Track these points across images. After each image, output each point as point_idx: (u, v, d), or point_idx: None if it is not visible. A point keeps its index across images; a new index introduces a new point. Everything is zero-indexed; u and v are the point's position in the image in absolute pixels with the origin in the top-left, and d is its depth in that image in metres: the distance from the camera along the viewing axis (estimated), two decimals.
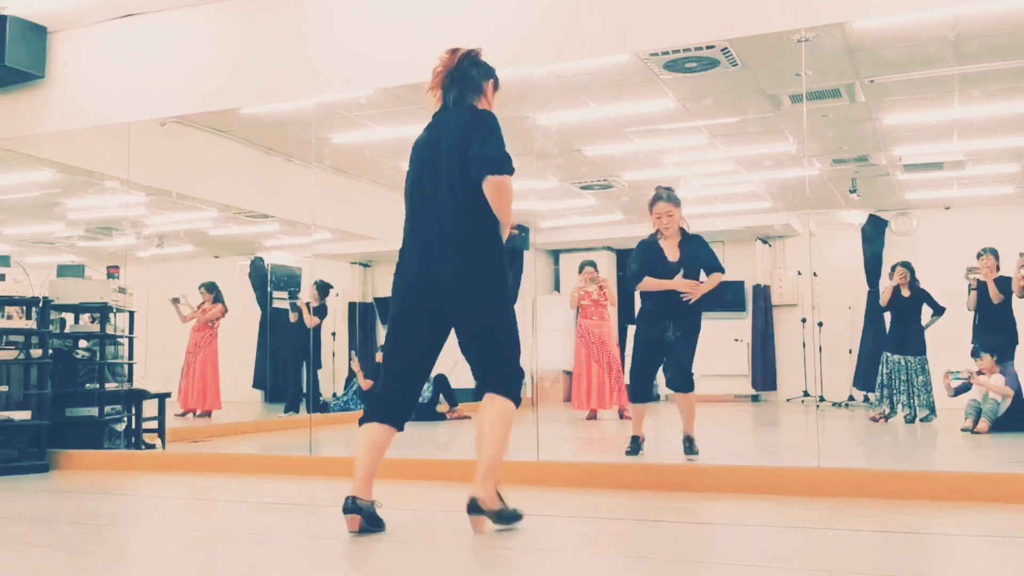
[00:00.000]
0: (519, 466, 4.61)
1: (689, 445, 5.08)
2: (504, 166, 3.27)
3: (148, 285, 7.61)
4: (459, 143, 3.30)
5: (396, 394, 3.36)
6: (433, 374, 9.82)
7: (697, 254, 5.16)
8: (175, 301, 8.88)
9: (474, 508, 3.18)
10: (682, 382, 5.11)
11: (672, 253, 5.15)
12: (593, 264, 8.52)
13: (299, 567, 2.86)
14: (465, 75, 3.43)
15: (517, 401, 3.32)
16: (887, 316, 8.02)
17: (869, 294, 9.26)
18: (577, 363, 8.60)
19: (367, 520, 3.24)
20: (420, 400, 9.79)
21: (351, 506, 3.22)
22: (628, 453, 5.18)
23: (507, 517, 3.27)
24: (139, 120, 6.37)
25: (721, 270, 5.17)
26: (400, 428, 3.35)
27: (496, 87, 3.53)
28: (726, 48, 5.53)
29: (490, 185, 3.26)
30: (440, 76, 3.45)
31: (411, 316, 3.37)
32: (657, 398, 8.60)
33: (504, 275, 3.35)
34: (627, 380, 5.37)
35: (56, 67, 6.58)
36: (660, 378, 5.38)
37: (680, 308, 5.10)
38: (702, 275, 5.21)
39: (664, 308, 5.13)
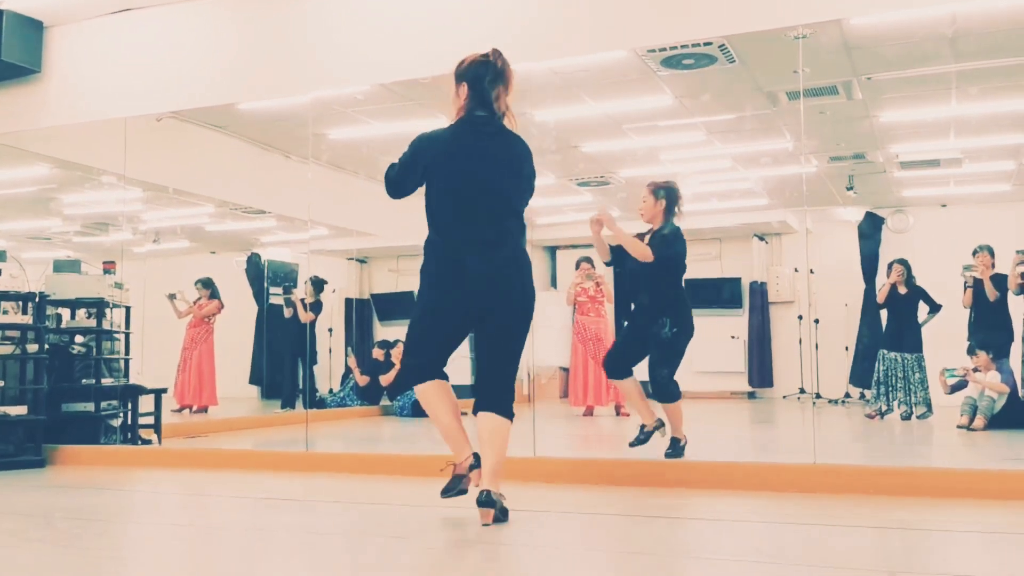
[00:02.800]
0: (516, 462, 4.61)
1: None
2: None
3: (144, 281, 7.60)
4: (514, 169, 3.48)
5: (430, 353, 3.44)
6: None
7: (658, 244, 5.00)
8: (171, 297, 8.87)
9: (486, 502, 3.22)
10: (660, 394, 4.94)
11: (646, 240, 5.09)
12: (590, 260, 8.52)
13: (295, 563, 2.86)
14: (504, 89, 3.48)
15: (512, 418, 3.41)
16: (883, 313, 8.03)
17: (866, 291, 9.26)
18: (574, 360, 8.60)
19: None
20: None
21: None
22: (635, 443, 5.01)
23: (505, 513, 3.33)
24: (135, 115, 6.35)
25: (653, 253, 4.95)
26: (446, 379, 3.46)
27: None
28: (723, 45, 5.53)
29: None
30: (482, 74, 3.45)
31: (458, 302, 3.40)
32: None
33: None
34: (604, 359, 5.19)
35: (52, 62, 6.57)
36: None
37: (648, 300, 5.02)
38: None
39: (634, 293, 5.08)
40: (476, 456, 3.36)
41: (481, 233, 3.38)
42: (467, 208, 3.41)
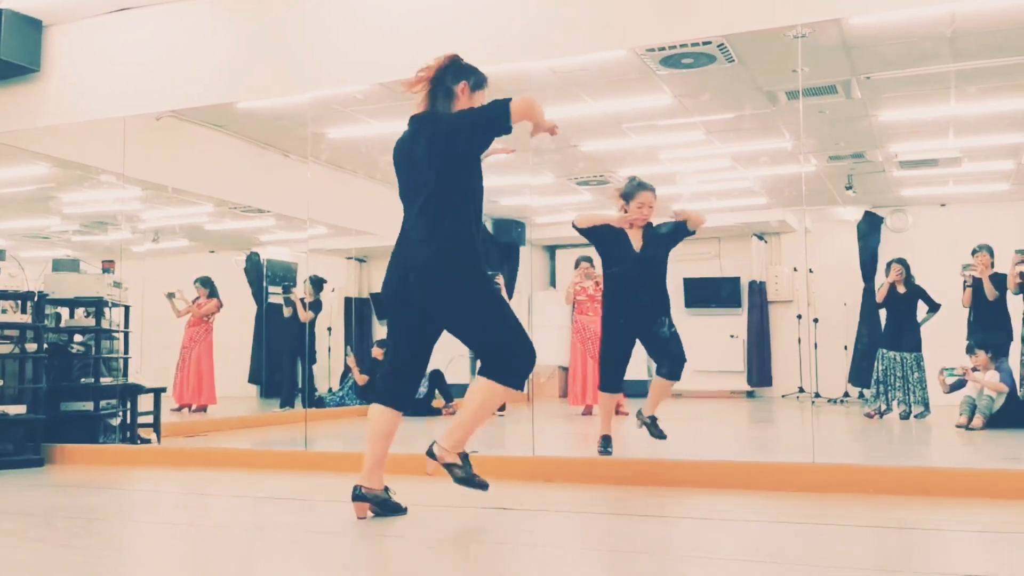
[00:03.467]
0: (515, 461, 4.62)
1: (655, 426, 5.15)
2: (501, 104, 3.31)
3: (143, 280, 7.60)
4: (428, 147, 3.39)
5: (397, 382, 3.52)
6: (429, 369, 9.83)
7: (660, 241, 5.11)
8: (170, 296, 8.87)
9: (429, 452, 3.39)
10: (673, 370, 5.09)
11: (636, 241, 5.11)
12: (589, 260, 8.52)
13: (295, 562, 2.86)
14: (439, 81, 3.48)
15: (513, 385, 3.37)
16: (883, 313, 8.03)
17: (865, 291, 9.27)
18: (573, 359, 8.60)
19: (380, 507, 3.42)
20: (416, 396, 9.81)
21: (356, 494, 3.40)
22: (602, 453, 5.13)
23: (464, 479, 3.37)
24: (135, 114, 6.35)
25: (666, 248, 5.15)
26: (404, 411, 3.50)
27: (477, 86, 3.52)
28: (723, 44, 5.53)
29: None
30: (424, 80, 3.50)
31: (400, 317, 3.50)
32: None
33: (477, 264, 3.36)
34: (601, 367, 5.26)
35: (51, 61, 6.56)
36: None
37: (651, 299, 5.08)
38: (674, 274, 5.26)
39: (634, 297, 5.08)
40: (386, 489, 3.46)
41: (404, 234, 3.47)
42: (404, 212, 3.51)
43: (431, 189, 3.36)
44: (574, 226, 5.15)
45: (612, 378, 5.19)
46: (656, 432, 5.12)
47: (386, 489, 3.47)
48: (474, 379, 3.40)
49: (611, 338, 5.14)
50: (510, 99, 3.31)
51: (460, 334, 3.45)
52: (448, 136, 3.37)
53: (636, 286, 5.06)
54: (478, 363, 3.44)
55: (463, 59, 3.55)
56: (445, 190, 3.36)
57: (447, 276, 3.33)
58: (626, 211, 5.08)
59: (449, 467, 3.38)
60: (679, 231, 5.16)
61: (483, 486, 3.38)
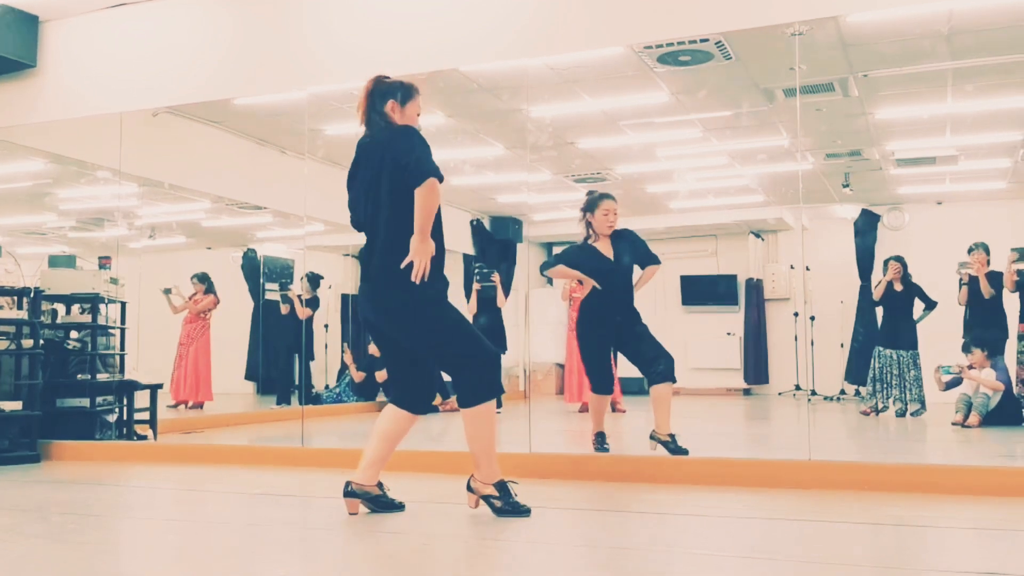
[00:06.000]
0: (512, 458, 4.62)
1: (675, 444, 4.89)
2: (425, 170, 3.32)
3: (140, 276, 7.58)
4: (373, 169, 3.42)
5: (404, 389, 3.53)
6: None
7: (630, 249, 5.17)
8: (166, 292, 8.86)
9: (468, 487, 3.45)
10: (670, 368, 4.99)
11: (607, 251, 5.15)
12: None
13: (290, 558, 2.86)
14: (372, 107, 3.53)
15: (488, 399, 3.37)
16: (879, 310, 8.04)
17: (861, 288, 9.28)
18: (569, 356, 8.60)
19: (373, 503, 3.45)
20: (431, 397, 9.81)
21: (347, 491, 3.43)
22: (601, 449, 5.14)
23: (504, 510, 3.41)
24: (131, 110, 6.34)
25: (657, 262, 5.24)
26: (417, 413, 3.50)
27: (406, 99, 3.54)
28: (720, 41, 5.53)
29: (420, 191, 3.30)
30: (360, 110, 3.55)
31: (376, 338, 3.59)
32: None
33: (414, 287, 3.30)
34: (590, 374, 5.27)
35: (48, 56, 6.55)
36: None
37: (627, 304, 5.14)
38: (636, 270, 5.24)
39: (613, 305, 5.12)
40: (380, 485, 3.49)
41: (367, 255, 3.47)
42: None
43: (381, 214, 3.38)
44: (542, 272, 5.42)
45: (602, 380, 5.23)
46: (679, 449, 4.85)
47: (379, 485, 3.47)
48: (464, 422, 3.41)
49: (591, 343, 5.19)
50: (433, 176, 3.27)
51: (422, 355, 3.47)
52: (394, 168, 3.36)
53: (613, 292, 5.12)
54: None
55: (386, 78, 3.59)
56: (393, 214, 3.35)
57: (386, 305, 3.38)
58: (591, 223, 5.17)
59: (487, 499, 3.41)
60: (639, 251, 5.22)
61: (525, 513, 3.39)
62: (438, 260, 3.38)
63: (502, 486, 3.40)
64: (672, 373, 4.97)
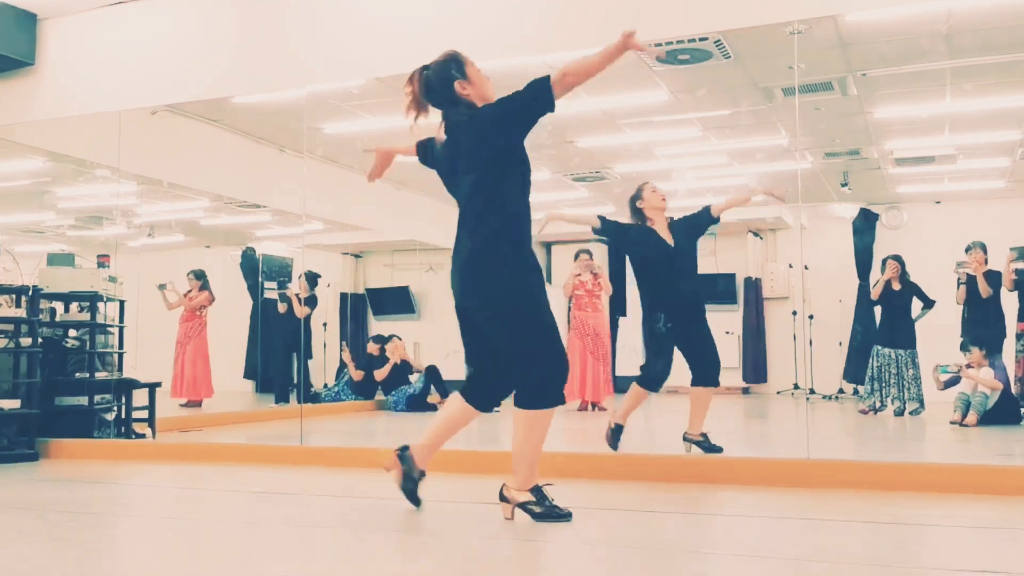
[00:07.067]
0: (510, 457, 4.61)
1: (708, 442, 4.94)
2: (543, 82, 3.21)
3: (138, 274, 7.58)
4: (465, 148, 3.34)
5: (479, 384, 3.46)
6: (425, 365, 9.82)
7: (685, 229, 5.04)
8: (161, 287, 8.85)
9: (501, 496, 3.33)
10: (716, 372, 4.96)
11: (668, 238, 5.02)
12: (588, 252, 8.50)
13: (289, 556, 2.86)
14: (429, 90, 3.40)
15: (549, 404, 3.25)
16: (877, 309, 8.05)
17: (860, 287, 9.29)
18: (571, 355, 8.59)
19: (406, 487, 3.44)
20: (411, 391, 9.79)
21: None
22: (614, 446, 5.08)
23: (543, 515, 3.27)
24: (130, 108, 6.33)
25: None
26: (479, 409, 3.44)
27: (466, 74, 3.41)
28: (719, 40, 5.53)
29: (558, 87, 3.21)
30: (414, 106, 3.42)
31: (460, 320, 3.43)
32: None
33: (510, 270, 3.23)
34: (649, 369, 5.03)
35: (46, 54, 6.54)
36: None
37: (692, 294, 5.01)
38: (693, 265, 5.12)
39: (677, 294, 4.98)
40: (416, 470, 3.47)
41: (459, 233, 3.38)
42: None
43: (472, 187, 3.30)
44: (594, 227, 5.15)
45: (658, 377, 5.03)
46: (713, 447, 4.87)
47: (422, 474, 3.46)
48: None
49: (655, 334, 4.97)
50: (548, 77, 3.20)
51: (495, 343, 3.33)
52: (486, 130, 3.29)
53: (676, 280, 4.95)
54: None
55: (426, 67, 3.44)
56: (486, 185, 3.28)
57: (477, 283, 3.27)
58: (642, 209, 5.02)
59: (524, 507, 3.26)
60: (704, 220, 5.08)
61: (566, 517, 3.25)
62: (523, 235, 3.30)
63: (538, 491, 3.28)
64: (716, 378, 4.94)
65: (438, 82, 3.39)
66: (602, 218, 5.12)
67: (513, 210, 3.31)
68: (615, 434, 5.08)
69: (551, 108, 3.26)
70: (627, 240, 5.09)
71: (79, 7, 6.38)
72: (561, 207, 10.12)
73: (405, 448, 3.42)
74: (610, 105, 7.13)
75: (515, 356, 3.27)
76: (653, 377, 5.04)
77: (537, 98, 3.24)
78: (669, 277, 4.96)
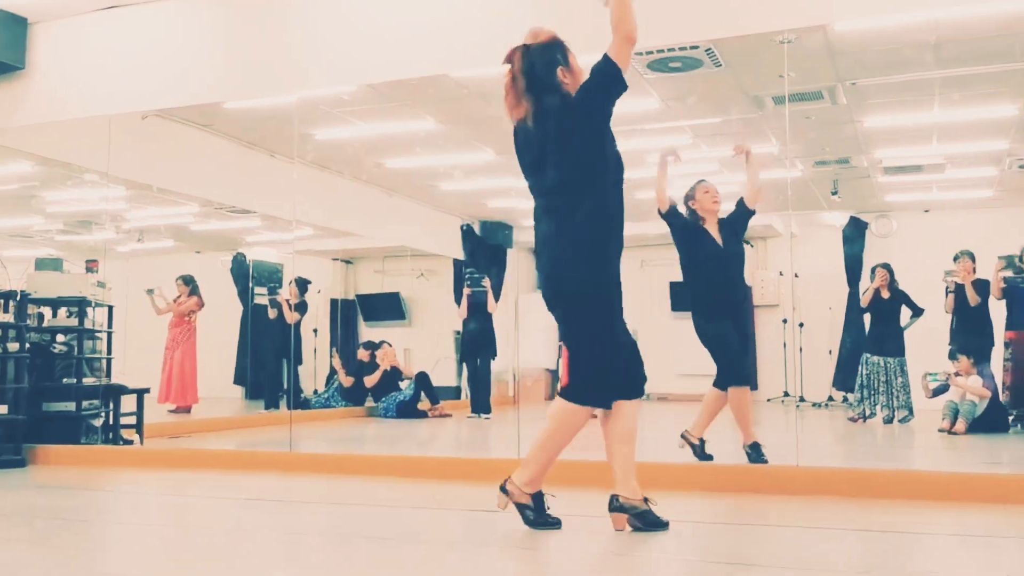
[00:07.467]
0: (500, 464, 4.61)
1: (702, 450, 4.97)
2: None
3: (127, 280, 7.55)
4: (552, 137, 3.29)
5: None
6: (415, 371, 9.79)
7: (731, 228, 5.05)
8: (149, 292, 8.82)
9: (502, 488, 3.27)
10: (730, 379, 4.98)
11: (718, 238, 5.02)
12: None
13: (276, 564, 2.84)
14: (531, 70, 3.29)
15: (585, 401, 3.20)
16: (867, 317, 8.08)
17: (849, 295, 9.32)
18: (562, 362, 8.60)
19: (639, 520, 3.23)
20: (402, 398, 9.77)
21: (612, 506, 3.23)
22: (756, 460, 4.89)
23: (534, 522, 3.24)
24: (120, 113, 6.32)
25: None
26: (602, 406, 3.28)
27: (569, 62, 3.34)
28: (710, 49, 5.55)
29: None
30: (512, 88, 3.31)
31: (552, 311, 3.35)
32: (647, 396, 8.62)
33: (593, 273, 3.19)
34: (732, 367, 5.01)
35: (36, 58, 6.52)
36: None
37: (741, 297, 5.09)
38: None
39: (729, 295, 5.01)
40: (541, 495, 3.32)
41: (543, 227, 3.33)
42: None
43: (557, 181, 3.23)
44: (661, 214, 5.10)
45: (745, 368, 5.04)
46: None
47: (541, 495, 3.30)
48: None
49: (721, 332, 4.94)
50: (605, 55, 3.14)
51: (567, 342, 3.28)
52: (573, 121, 3.23)
53: (726, 281, 4.99)
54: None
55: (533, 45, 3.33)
56: (574, 180, 3.23)
57: (560, 282, 3.22)
58: (695, 209, 5.05)
59: (520, 508, 3.22)
60: (742, 213, 5.09)
61: (555, 526, 3.23)
62: (611, 256, 3.24)
63: (539, 498, 3.25)
64: (751, 378, 4.98)
65: (542, 65, 3.28)
66: (673, 205, 5.12)
67: (611, 209, 3.33)
68: (755, 449, 4.92)
69: (623, 78, 3.30)
70: (683, 237, 5.09)
71: (70, 11, 6.37)
72: None
73: (613, 499, 3.23)
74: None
75: (572, 351, 3.23)
76: (745, 374, 5.05)
77: (605, 73, 3.22)
78: (723, 278, 4.99)
